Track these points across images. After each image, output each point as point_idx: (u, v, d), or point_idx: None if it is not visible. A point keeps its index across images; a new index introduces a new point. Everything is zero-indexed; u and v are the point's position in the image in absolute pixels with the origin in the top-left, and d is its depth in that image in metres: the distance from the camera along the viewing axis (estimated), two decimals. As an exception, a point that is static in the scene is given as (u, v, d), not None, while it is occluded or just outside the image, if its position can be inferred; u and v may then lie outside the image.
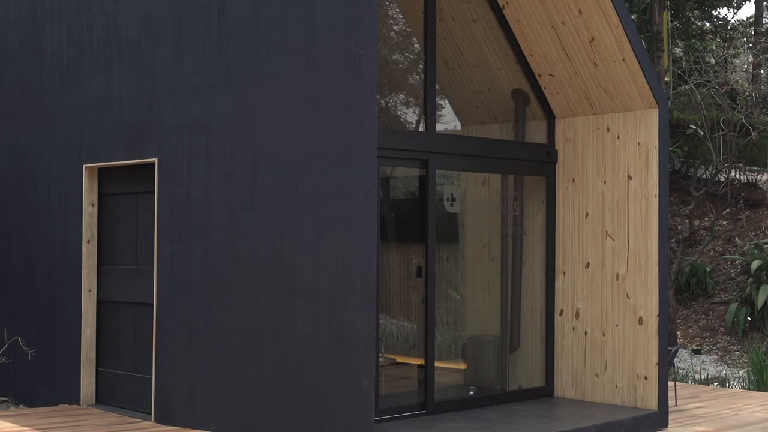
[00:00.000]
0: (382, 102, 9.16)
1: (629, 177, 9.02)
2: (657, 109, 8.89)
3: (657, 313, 8.79)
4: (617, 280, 9.07)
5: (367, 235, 7.00)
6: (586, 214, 9.32)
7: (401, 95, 9.41)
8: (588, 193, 9.32)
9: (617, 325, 9.05)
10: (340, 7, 7.12)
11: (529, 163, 9.42)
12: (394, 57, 9.36)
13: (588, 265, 9.29)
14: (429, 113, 8.62)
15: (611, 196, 9.14)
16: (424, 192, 8.56)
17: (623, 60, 8.77)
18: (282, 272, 7.52)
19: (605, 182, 9.18)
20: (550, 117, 9.58)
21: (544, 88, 9.46)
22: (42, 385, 9.77)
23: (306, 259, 7.35)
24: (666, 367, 8.88)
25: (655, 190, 8.83)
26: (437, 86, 8.92)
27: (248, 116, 7.83)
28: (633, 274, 8.96)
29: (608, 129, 9.20)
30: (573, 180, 9.43)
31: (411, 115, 9.24)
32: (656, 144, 8.86)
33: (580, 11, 8.68)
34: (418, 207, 8.68)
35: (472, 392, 9.45)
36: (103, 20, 9.25)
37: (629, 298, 8.97)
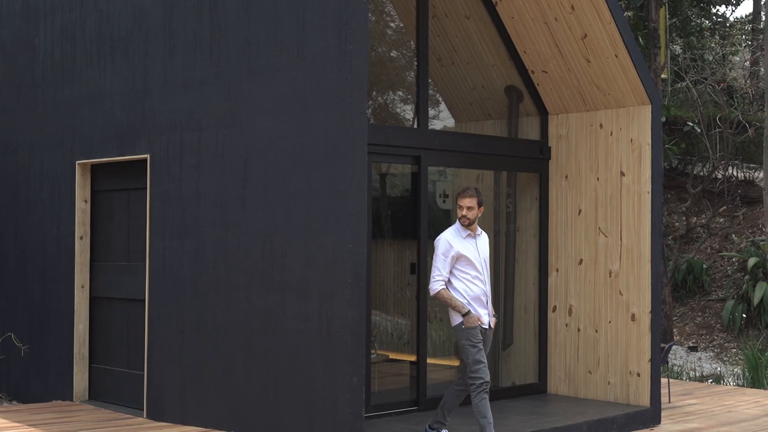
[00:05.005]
0: (380, 99, 9.15)
1: (622, 173, 9.00)
2: (650, 106, 8.88)
3: (650, 309, 8.78)
4: (610, 276, 9.06)
5: (358, 231, 7.00)
6: (579, 211, 9.31)
7: (398, 92, 9.40)
8: (581, 189, 9.31)
9: (610, 322, 9.04)
10: (330, 3, 7.11)
11: (522, 159, 9.41)
12: (391, 54, 9.35)
13: (581, 261, 9.28)
14: (422, 110, 8.61)
15: (604, 192, 9.13)
16: (417, 188, 8.55)
17: (616, 56, 8.75)
18: (272, 268, 7.51)
19: (598, 179, 9.17)
20: (543, 113, 9.57)
21: (537, 84, 9.45)
22: (35, 381, 9.77)
23: (296, 255, 7.35)
24: (659, 364, 8.87)
25: (648, 187, 8.82)
26: (431, 83, 8.91)
27: (239, 112, 7.82)
28: (626, 271, 8.95)
29: (601, 125, 9.19)
30: (566, 176, 9.42)
31: (408, 112, 9.23)
32: (649, 140, 8.85)
33: (572, 7, 8.66)
34: (413, 204, 8.68)
35: (464, 389, 9.43)
36: (95, 16, 9.24)
37: (622, 295, 8.97)
